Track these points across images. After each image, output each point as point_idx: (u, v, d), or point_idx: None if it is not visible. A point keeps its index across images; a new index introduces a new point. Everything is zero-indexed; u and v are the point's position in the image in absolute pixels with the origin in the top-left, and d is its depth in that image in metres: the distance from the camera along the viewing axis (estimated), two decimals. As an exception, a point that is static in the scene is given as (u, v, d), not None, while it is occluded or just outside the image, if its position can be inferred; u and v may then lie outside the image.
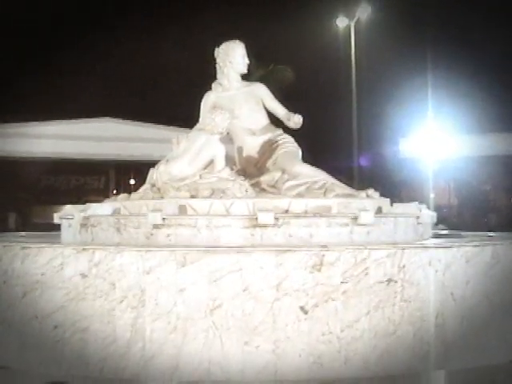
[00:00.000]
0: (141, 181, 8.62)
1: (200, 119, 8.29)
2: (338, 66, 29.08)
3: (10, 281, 6.08)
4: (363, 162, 28.72)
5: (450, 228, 12.37)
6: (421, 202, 7.74)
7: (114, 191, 30.21)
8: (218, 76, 8.55)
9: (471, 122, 29.64)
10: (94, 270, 5.66)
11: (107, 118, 30.99)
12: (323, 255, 5.52)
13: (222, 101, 8.29)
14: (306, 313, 5.42)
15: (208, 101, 8.45)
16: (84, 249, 5.84)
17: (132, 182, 33.18)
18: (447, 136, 29.10)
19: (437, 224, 8.53)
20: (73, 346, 5.62)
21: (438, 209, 21.23)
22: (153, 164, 8.02)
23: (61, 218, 7.77)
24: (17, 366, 5.57)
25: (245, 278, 5.41)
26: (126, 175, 35.69)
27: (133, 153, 29.39)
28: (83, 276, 5.70)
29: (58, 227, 7.97)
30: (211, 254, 5.47)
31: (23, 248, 6.11)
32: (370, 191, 7.61)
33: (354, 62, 27.87)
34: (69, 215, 7.52)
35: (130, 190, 7.79)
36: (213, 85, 8.62)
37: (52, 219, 8.02)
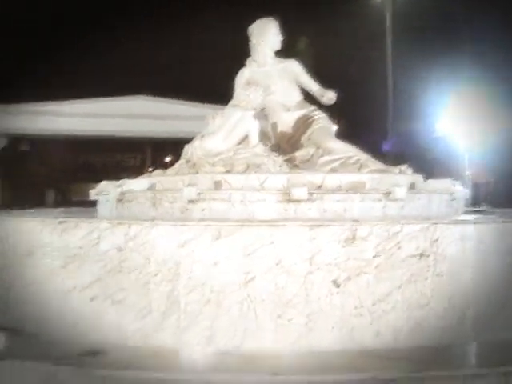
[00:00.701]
0: (176, 158, 8.71)
1: (234, 96, 8.36)
2: (373, 41, 28.85)
3: (50, 254, 6.20)
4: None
5: (492, 206, 12.34)
6: (455, 179, 7.75)
7: (150, 168, 30.43)
8: (252, 53, 8.61)
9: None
10: (130, 243, 5.75)
11: (142, 96, 31.12)
12: (356, 229, 5.55)
13: (256, 77, 8.35)
14: (338, 286, 5.47)
15: (242, 77, 8.51)
16: (119, 223, 5.93)
17: (167, 159, 33.37)
18: (481, 114, 28.77)
19: (480, 202, 8.55)
20: (110, 317, 5.73)
21: (474, 186, 21.11)
22: (187, 141, 8.10)
23: (97, 194, 7.88)
24: (57, 335, 5.70)
25: (278, 252, 5.45)
26: (162, 152, 35.89)
27: (168, 130, 29.52)
28: (119, 249, 5.80)
29: (94, 204, 8.08)
30: (245, 228, 5.53)
31: (61, 222, 6.22)
32: (404, 167, 7.64)
33: (391, 36, 27.64)
34: (105, 191, 7.63)
35: (165, 167, 7.88)
36: (247, 62, 8.68)
37: (89, 197, 8.14)
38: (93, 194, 7.96)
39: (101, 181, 8.02)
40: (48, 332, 5.92)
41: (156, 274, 5.66)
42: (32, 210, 8.93)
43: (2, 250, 6.94)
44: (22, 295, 6.53)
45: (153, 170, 8.68)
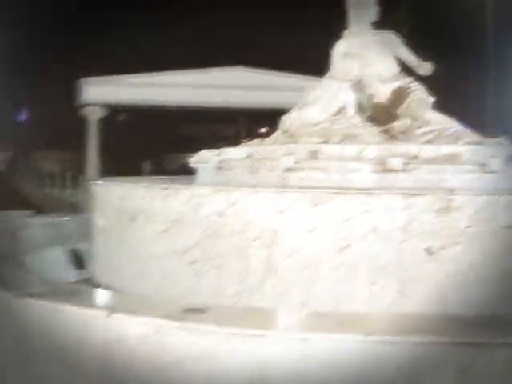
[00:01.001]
0: (272, 129, 8.87)
1: (331, 67, 8.44)
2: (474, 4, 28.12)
3: (151, 218, 6.48)
4: None
5: None
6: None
7: (246, 139, 30.73)
8: (349, 24, 8.65)
9: None
10: (230, 209, 5.95)
11: (239, 67, 31.35)
12: (450, 200, 5.59)
13: (353, 49, 8.41)
14: (431, 255, 5.54)
15: (339, 49, 8.57)
16: (220, 189, 6.15)
17: (263, 129, 33.58)
18: None
19: None
20: (209, 280, 5.97)
21: None
22: (283, 112, 8.25)
23: (196, 162, 8.11)
24: (158, 295, 5.99)
25: (373, 220, 5.55)
26: (257, 123, 36.13)
27: (264, 101, 29.67)
28: (219, 215, 6.00)
29: (191, 173, 8.31)
30: (342, 196, 5.65)
31: (163, 189, 6.48)
32: (501, 139, 7.59)
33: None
34: (204, 159, 7.85)
35: (260, 137, 8.03)
36: (344, 33, 8.72)
37: (184, 166, 8.38)
38: (192, 162, 8.20)
39: (196, 151, 8.23)
40: (149, 292, 6.22)
41: (254, 240, 5.84)
42: (134, 178, 9.25)
43: (107, 215, 7.27)
44: (125, 257, 6.85)
45: (248, 141, 8.87)
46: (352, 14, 8.56)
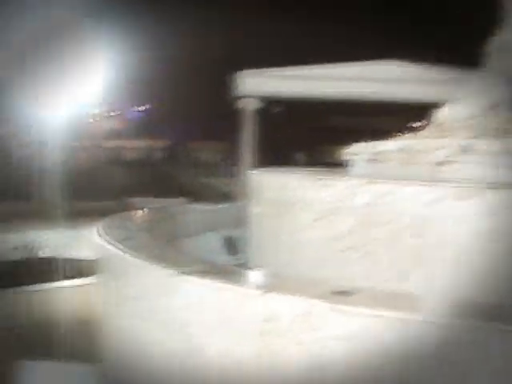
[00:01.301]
0: (425, 123, 8.92)
1: (486, 62, 8.41)
2: None
3: (306, 207, 6.76)
4: None
5: None
6: None
7: (399, 133, 30.52)
8: (504, 20, 8.57)
9: None
10: (381, 200, 6.16)
11: (393, 61, 31.11)
12: None
13: (507, 44, 8.34)
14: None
15: (494, 43, 8.52)
16: (372, 181, 6.37)
17: (416, 123, 33.22)
18: None
19: None
20: (359, 267, 6.22)
21: None
22: (436, 106, 8.31)
23: (349, 155, 8.31)
24: (308, 277, 6.25)
25: (521, 215, 5.61)
26: (411, 117, 35.76)
27: (417, 95, 29.35)
28: (371, 205, 6.21)
29: (344, 165, 8.51)
30: (490, 190, 5.73)
31: (318, 179, 6.75)
32: None
33: None
34: (358, 152, 8.04)
35: (413, 131, 8.11)
36: (499, 27, 8.65)
37: (337, 159, 8.59)
38: (345, 154, 8.40)
39: (349, 144, 8.41)
40: (300, 276, 6.47)
41: (404, 230, 6.03)
42: (288, 168, 9.55)
43: (263, 203, 7.60)
44: (279, 243, 7.17)
45: (401, 134, 8.99)
46: (508, 8, 8.48)
